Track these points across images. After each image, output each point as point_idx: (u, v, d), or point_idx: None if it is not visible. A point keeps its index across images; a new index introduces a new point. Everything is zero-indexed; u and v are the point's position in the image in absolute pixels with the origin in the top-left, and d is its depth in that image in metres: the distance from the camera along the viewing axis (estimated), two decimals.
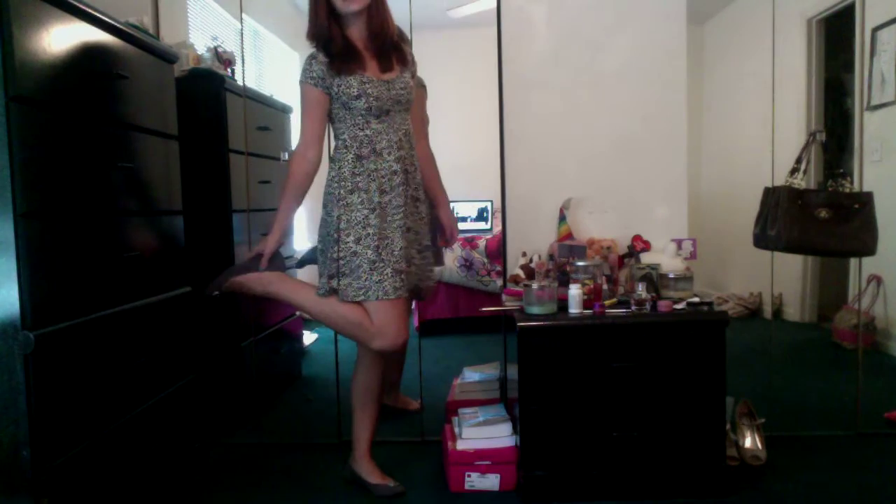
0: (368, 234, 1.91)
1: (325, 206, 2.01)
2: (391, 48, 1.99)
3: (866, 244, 2.30)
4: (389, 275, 1.91)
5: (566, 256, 2.30)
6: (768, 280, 3.61)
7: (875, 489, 2.06)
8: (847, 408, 2.57)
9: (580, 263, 2.17)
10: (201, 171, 2.60)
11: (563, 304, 2.08)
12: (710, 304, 2.06)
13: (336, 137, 2.02)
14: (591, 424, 2.01)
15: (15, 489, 1.52)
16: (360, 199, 1.93)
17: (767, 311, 4.20)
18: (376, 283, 1.90)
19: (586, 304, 2.06)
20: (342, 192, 1.93)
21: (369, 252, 1.90)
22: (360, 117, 1.94)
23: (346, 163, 1.95)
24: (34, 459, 1.51)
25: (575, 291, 2.06)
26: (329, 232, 1.96)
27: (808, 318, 4.02)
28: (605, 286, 2.14)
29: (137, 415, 1.92)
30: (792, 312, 4.10)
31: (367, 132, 1.94)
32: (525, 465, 2.04)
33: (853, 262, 3.37)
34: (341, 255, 1.92)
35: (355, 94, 1.90)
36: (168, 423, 2.11)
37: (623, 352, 2.00)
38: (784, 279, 3.91)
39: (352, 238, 1.92)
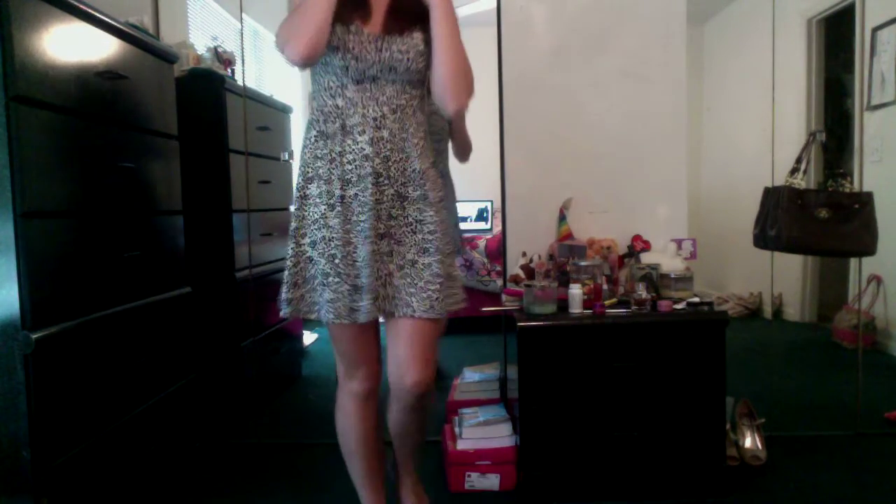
0: (324, 236, 1.53)
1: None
2: (414, 19, 1.54)
3: (866, 244, 2.31)
4: (346, 293, 1.51)
5: (566, 256, 2.30)
6: (768, 280, 3.61)
7: (875, 489, 2.06)
8: (847, 408, 2.57)
9: (580, 263, 2.17)
10: (201, 171, 2.60)
11: (563, 304, 2.08)
12: (710, 304, 2.06)
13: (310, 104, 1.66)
14: (591, 424, 2.01)
15: (15, 489, 1.52)
16: (318, 191, 1.53)
17: (767, 311, 4.20)
18: (328, 301, 1.52)
19: (586, 304, 2.06)
20: (301, 180, 1.56)
21: (322, 261, 1.53)
22: (334, 78, 1.52)
23: (309, 142, 1.56)
24: (34, 459, 1.51)
25: (575, 291, 2.06)
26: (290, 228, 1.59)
27: (808, 318, 4.02)
28: (605, 286, 2.14)
29: (138, 415, 1.92)
30: (792, 312, 4.10)
31: (339, 102, 1.51)
32: (525, 465, 2.04)
33: (853, 262, 3.38)
34: (295, 260, 1.56)
35: (334, 43, 1.47)
36: (168, 423, 2.11)
37: (623, 352, 2.00)
38: (784, 279, 3.91)
39: (307, 240, 1.55)
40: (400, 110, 1.54)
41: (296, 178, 1.58)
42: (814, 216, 2.31)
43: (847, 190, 2.40)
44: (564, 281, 2.17)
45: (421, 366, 1.57)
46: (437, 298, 1.53)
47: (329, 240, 1.52)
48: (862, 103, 3.37)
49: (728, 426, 2.16)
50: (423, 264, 1.54)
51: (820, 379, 3.20)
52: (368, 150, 1.50)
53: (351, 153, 1.51)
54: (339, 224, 1.51)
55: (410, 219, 1.55)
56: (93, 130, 1.76)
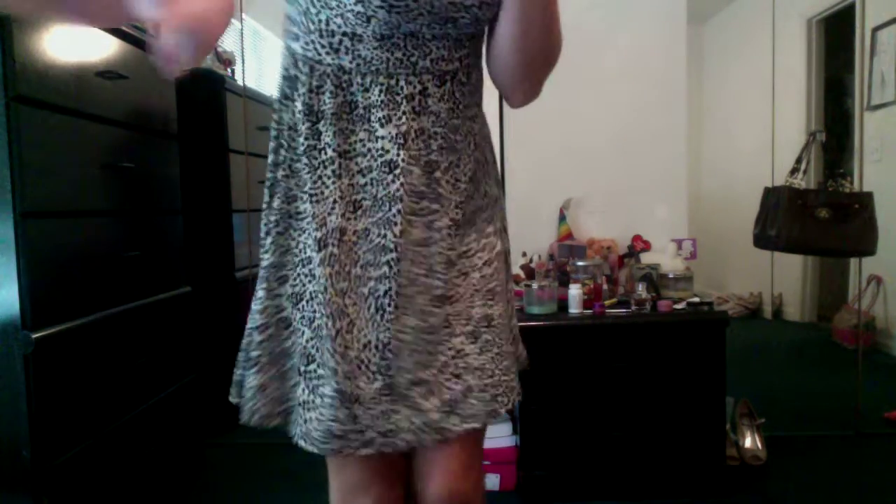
0: (314, 291, 0.89)
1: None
2: None
3: (866, 244, 2.30)
4: (328, 401, 0.88)
5: (566, 256, 2.30)
6: (768, 280, 3.61)
7: (875, 489, 2.06)
8: (847, 408, 2.57)
9: (580, 263, 2.17)
10: (201, 171, 2.60)
11: (563, 304, 2.08)
12: (710, 304, 2.06)
13: (282, 65, 0.93)
14: (591, 424, 2.01)
15: (15, 489, 1.52)
16: (312, 209, 0.89)
17: (767, 311, 4.20)
18: (300, 405, 0.92)
19: (586, 304, 2.06)
20: (284, 184, 0.93)
21: (308, 333, 0.91)
22: (339, 19, 0.85)
23: (287, 125, 0.92)
24: (34, 459, 1.51)
25: (575, 291, 2.06)
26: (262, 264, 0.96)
27: (808, 318, 4.03)
28: (605, 286, 2.14)
29: (138, 414, 1.92)
30: (792, 312, 4.11)
31: (345, 61, 0.87)
32: (525, 465, 2.04)
33: (853, 262, 3.38)
34: (264, 320, 0.95)
35: None
36: (168, 422, 2.11)
37: (623, 352, 2.00)
38: (784, 279, 3.91)
39: (289, 289, 0.93)
40: (451, 79, 0.91)
41: (268, 178, 0.94)
42: (814, 216, 2.31)
43: (847, 190, 2.40)
44: (564, 281, 2.17)
45: (457, 468, 0.94)
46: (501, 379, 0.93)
47: (321, 302, 0.88)
48: (862, 103, 3.38)
49: (728, 426, 2.16)
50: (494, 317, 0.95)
51: (820, 379, 3.20)
52: (396, 154, 0.87)
53: (364, 156, 0.88)
54: (328, 278, 0.87)
55: (458, 254, 0.93)
56: (93, 130, 1.76)
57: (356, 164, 0.89)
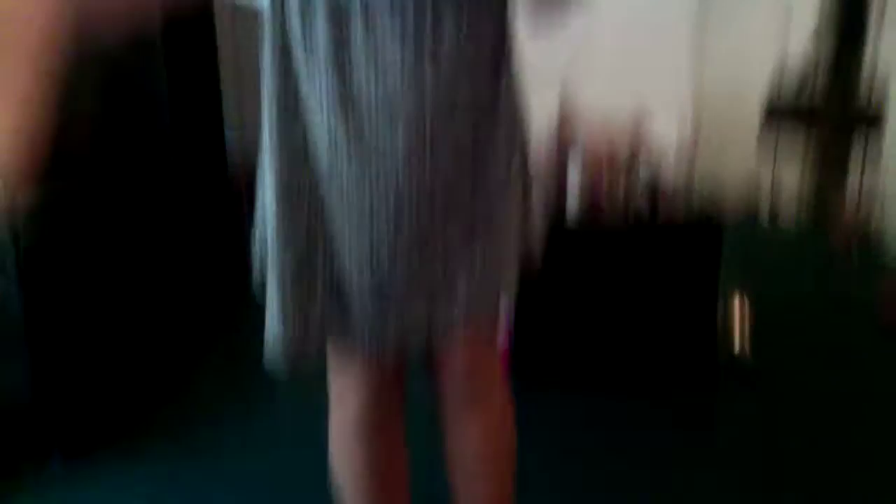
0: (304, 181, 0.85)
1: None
2: None
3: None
4: (320, 290, 0.86)
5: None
6: (768, 186, 3.56)
7: (863, 387, 2.09)
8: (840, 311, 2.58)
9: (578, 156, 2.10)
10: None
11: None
12: (709, 210, 2.03)
13: None
14: (586, 321, 2.02)
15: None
16: (324, 96, 0.80)
17: (765, 214, 4.17)
18: (291, 301, 0.86)
19: (586, 197, 2.02)
20: (276, 63, 0.83)
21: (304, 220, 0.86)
22: None
23: (279, 23, 0.82)
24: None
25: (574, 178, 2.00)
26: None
27: (806, 223, 4.01)
28: (604, 182, 2.09)
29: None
30: (789, 218, 4.08)
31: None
32: (518, 353, 2.04)
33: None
34: (261, 213, 0.92)
35: None
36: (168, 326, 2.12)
37: (621, 254, 1.99)
38: (784, 186, 3.87)
39: (281, 179, 0.85)
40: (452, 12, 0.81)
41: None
42: None
43: None
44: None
45: (467, 341, 0.95)
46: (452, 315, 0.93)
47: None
48: None
49: (721, 323, 2.18)
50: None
51: (815, 282, 3.20)
52: (397, 82, 0.80)
53: (361, 48, 0.80)
54: (345, 171, 0.83)
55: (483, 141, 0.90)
56: None
57: (350, 56, 0.79)
